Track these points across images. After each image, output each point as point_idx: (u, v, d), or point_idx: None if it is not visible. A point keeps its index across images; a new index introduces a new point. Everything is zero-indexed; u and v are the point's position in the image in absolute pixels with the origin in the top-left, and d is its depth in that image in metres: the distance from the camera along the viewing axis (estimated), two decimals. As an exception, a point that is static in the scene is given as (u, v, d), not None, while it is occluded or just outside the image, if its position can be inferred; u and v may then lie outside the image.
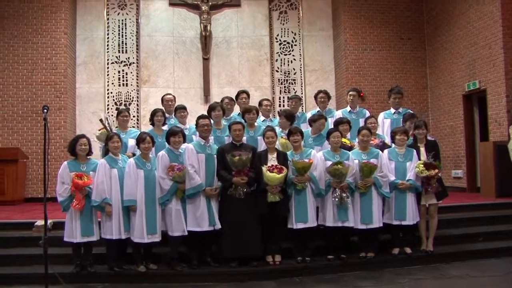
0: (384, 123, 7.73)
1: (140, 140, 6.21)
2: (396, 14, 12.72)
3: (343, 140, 6.82)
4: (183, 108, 7.31)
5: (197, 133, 6.56)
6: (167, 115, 7.23)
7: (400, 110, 7.67)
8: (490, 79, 10.26)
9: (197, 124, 6.52)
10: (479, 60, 10.63)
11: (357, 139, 6.82)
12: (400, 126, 6.96)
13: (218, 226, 6.27)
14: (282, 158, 6.35)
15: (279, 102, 12.87)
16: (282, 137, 6.85)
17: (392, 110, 7.75)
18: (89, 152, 6.19)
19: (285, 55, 13.08)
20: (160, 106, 7.43)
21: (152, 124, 7.05)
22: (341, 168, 6.27)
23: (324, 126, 7.01)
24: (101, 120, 7.25)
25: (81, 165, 6.09)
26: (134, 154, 6.64)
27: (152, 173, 6.16)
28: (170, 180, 6.14)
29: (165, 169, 6.16)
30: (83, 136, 6.23)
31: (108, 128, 7.01)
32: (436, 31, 12.37)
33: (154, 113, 7.01)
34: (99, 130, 7.13)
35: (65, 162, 6.17)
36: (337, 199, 6.34)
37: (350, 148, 6.85)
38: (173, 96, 7.69)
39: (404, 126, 7.03)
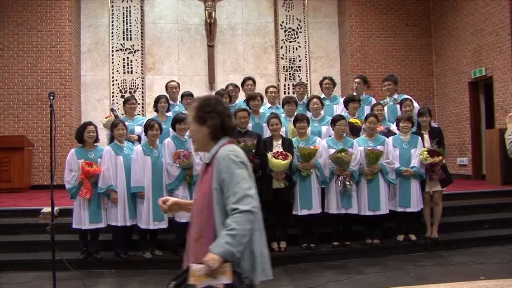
0: None
1: (148, 127, 6.21)
2: (402, 0, 12.60)
3: (354, 120, 6.81)
4: (190, 95, 7.28)
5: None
6: (171, 102, 7.25)
7: (396, 96, 7.61)
8: (497, 66, 10.19)
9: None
10: (486, 47, 10.54)
11: (364, 125, 6.81)
12: (404, 114, 6.93)
13: None
14: (287, 144, 6.35)
15: (284, 89, 12.82)
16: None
17: (388, 98, 7.72)
18: (96, 139, 6.21)
19: (290, 42, 13.00)
20: (165, 93, 7.43)
21: (156, 110, 7.08)
22: (344, 156, 6.27)
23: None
24: (112, 110, 7.26)
25: (88, 152, 6.11)
26: (139, 137, 6.67)
27: (159, 160, 6.18)
28: (178, 167, 6.16)
29: (172, 156, 6.17)
30: (90, 123, 6.24)
31: (117, 118, 7.01)
32: (442, 18, 12.27)
33: (157, 100, 7.03)
34: (106, 118, 7.15)
35: (73, 150, 6.20)
36: (340, 187, 6.36)
37: (360, 128, 6.83)
38: (177, 83, 7.69)
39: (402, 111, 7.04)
